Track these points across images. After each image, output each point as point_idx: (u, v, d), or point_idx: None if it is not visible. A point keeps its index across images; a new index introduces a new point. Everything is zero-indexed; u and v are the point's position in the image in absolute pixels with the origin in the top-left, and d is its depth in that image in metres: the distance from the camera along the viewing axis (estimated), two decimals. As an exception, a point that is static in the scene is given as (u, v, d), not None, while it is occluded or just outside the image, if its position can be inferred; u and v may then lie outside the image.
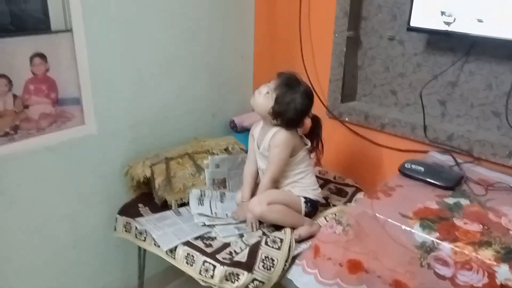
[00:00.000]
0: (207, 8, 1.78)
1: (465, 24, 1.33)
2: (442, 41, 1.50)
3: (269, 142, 1.37)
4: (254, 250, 1.26)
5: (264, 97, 1.34)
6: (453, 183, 1.27)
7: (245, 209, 1.40)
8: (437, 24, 1.39)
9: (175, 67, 1.74)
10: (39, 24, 1.43)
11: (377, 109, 1.70)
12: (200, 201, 1.51)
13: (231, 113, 1.98)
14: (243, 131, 1.90)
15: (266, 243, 1.28)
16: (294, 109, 1.32)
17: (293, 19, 1.83)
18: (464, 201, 1.18)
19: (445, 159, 1.45)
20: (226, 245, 1.33)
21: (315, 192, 1.43)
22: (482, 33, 1.31)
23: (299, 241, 1.33)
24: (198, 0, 1.74)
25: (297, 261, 1.27)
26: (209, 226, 1.41)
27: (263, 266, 1.23)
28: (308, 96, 1.34)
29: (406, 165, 1.34)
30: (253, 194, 1.46)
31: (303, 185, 1.42)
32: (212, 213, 1.46)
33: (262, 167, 1.43)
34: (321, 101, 1.79)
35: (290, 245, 1.27)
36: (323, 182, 1.67)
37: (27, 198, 1.44)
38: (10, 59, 1.34)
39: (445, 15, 1.36)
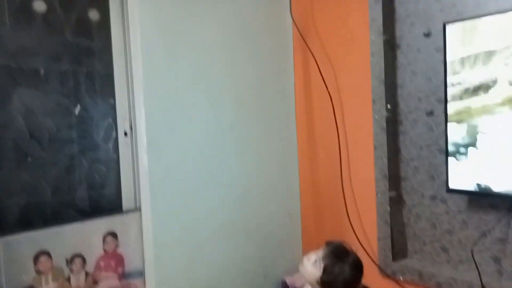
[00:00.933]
0: (256, 178, 1.98)
1: (502, 186, 1.41)
2: (483, 200, 1.56)
3: None
4: None
5: (312, 265, 1.38)
6: None
7: None
8: (474, 186, 1.47)
9: (228, 230, 1.86)
10: (112, 205, 1.63)
11: (430, 267, 1.69)
12: None
13: (282, 273, 2.02)
14: (296, 293, 1.90)
15: None
16: (342, 281, 1.35)
17: (336, 180, 1.97)
18: None
19: (513, 323, 1.38)
20: None
21: None
22: (521, 193, 1.38)
23: None
24: (247, 173, 1.94)
25: None
26: None
27: None
28: (357, 267, 1.38)
29: (471, 334, 1.29)
30: None
31: None
32: None
33: None
34: (372, 260, 1.81)
35: None
36: None
37: None
38: (86, 239, 1.51)
39: (481, 179, 1.45)
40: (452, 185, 1.53)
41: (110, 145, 1.63)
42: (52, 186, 1.52)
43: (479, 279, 1.52)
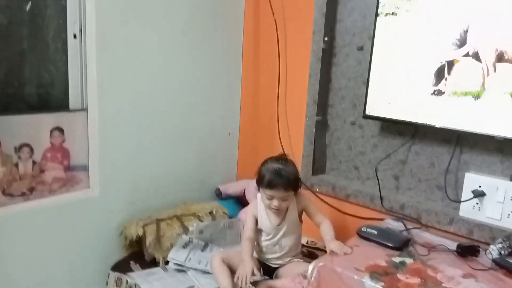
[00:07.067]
0: (201, 93, 2.12)
1: (408, 114, 1.66)
2: (392, 127, 1.82)
3: (298, 212, 1.69)
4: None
5: (285, 203, 1.61)
6: (401, 244, 1.50)
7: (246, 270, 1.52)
8: (386, 113, 1.72)
9: (170, 141, 2.03)
10: (60, 103, 1.72)
11: (342, 181, 1.98)
12: (185, 246, 1.75)
13: (217, 181, 2.24)
14: (227, 198, 2.14)
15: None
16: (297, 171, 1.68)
17: (272, 105, 2.17)
18: (408, 260, 1.41)
19: (398, 225, 1.69)
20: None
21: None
22: (421, 121, 1.63)
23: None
24: (193, 87, 2.08)
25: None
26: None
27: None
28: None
29: (362, 229, 1.58)
30: None
31: None
32: (186, 259, 1.70)
33: (284, 244, 1.67)
34: (295, 174, 2.07)
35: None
36: (296, 245, 1.88)
37: (34, 251, 1.63)
38: (34, 131, 1.61)
39: (391, 107, 1.70)
40: (368, 111, 1.77)
41: (59, 45, 1.69)
42: (1, 80, 1.58)
43: (379, 191, 1.81)
